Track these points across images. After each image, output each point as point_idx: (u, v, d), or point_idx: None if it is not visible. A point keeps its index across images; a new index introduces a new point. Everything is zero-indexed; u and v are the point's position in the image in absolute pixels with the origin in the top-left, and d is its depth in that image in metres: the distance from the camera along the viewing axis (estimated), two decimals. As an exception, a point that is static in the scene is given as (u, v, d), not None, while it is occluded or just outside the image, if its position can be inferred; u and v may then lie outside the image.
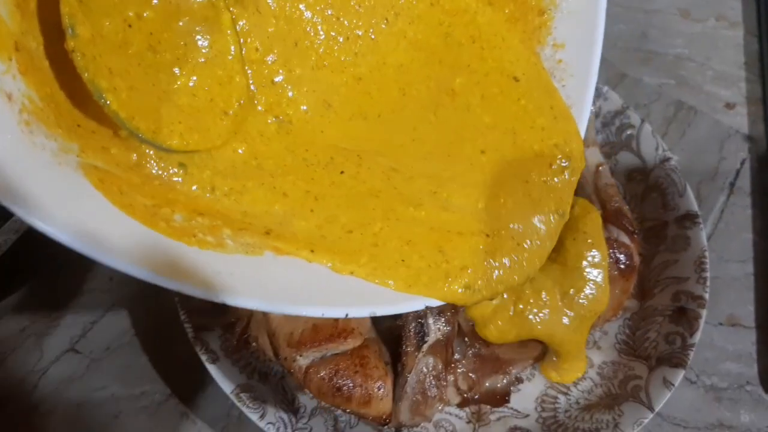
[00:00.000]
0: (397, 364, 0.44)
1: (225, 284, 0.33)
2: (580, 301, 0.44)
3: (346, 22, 0.42)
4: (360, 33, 0.42)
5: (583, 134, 0.44)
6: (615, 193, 0.51)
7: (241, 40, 0.38)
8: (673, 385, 0.46)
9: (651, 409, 0.46)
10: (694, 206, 0.53)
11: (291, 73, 0.40)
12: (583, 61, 0.45)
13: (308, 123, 0.41)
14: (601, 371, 0.50)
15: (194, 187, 0.36)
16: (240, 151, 0.38)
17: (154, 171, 0.35)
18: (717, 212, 0.59)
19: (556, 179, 0.43)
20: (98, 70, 0.32)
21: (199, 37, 0.36)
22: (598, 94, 0.60)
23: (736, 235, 0.58)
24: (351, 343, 0.41)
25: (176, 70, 0.35)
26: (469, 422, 0.48)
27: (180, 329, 0.48)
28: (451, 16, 0.44)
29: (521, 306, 0.44)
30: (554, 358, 0.48)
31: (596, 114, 0.56)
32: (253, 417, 0.45)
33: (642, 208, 0.56)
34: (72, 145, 0.33)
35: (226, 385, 0.46)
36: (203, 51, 0.36)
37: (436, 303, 0.38)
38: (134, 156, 0.35)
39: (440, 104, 0.44)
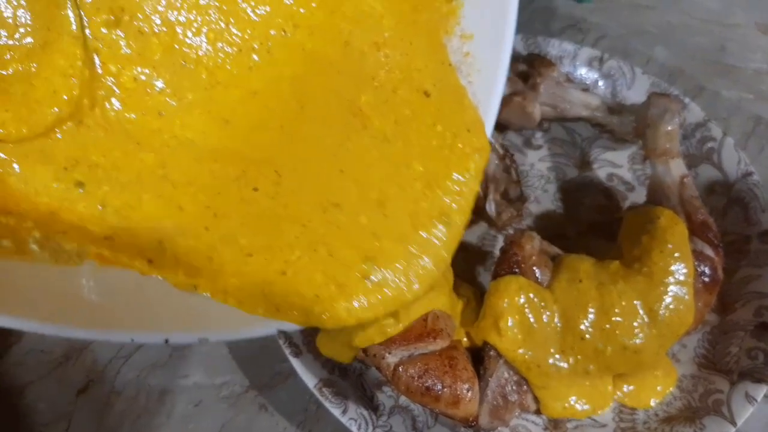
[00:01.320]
0: (479, 368, 0.45)
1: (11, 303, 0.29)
2: (666, 319, 0.44)
3: (238, 35, 0.38)
4: (256, 46, 0.39)
5: (489, 133, 0.41)
6: (700, 205, 0.51)
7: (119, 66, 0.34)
8: (756, 400, 0.46)
9: (734, 423, 0.45)
10: (777, 221, 0.53)
11: (182, 100, 0.37)
12: (492, 54, 0.41)
13: (209, 137, 0.37)
14: (681, 384, 0.49)
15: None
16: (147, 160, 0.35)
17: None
18: (796, 228, 0.58)
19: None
20: None
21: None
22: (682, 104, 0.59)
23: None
24: (440, 344, 0.42)
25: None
26: (546, 429, 0.48)
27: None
28: (353, 23, 0.41)
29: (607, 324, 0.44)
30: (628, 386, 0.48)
31: (681, 124, 0.56)
32: (336, 412, 0.45)
33: (724, 222, 0.55)
34: None
35: (309, 379, 0.46)
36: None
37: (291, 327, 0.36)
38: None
39: (352, 130, 0.39)
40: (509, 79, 0.56)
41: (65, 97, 0.33)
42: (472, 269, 0.54)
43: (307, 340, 0.48)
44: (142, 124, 0.36)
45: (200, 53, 0.37)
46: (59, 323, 0.31)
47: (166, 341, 0.32)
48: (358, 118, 0.39)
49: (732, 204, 0.56)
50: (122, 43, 0.35)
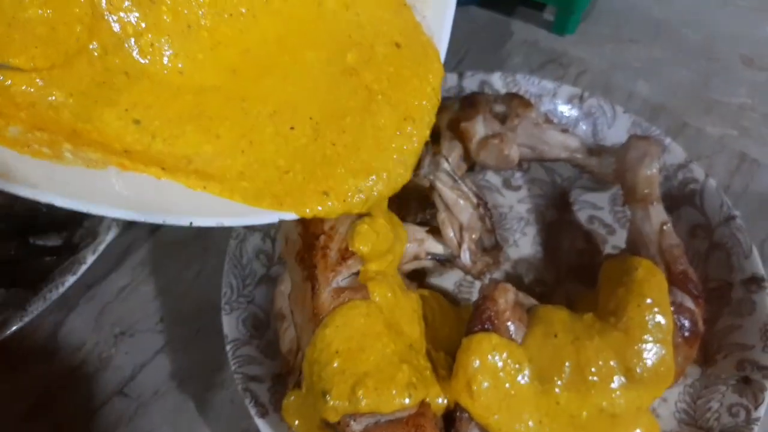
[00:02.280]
0: (450, 430, 0.43)
1: (52, 186, 0.33)
2: (645, 378, 0.42)
3: (231, 2, 0.42)
4: (244, 11, 0.43)
5: (443, 60, 0.44)
6: (681, 255, 0.49)
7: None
8: (738, 461, 0.45)
9: (715, 485, 0.44)
10: (761, 269, 0.51)
11: (195, 60, 0.42)
12: None
13: (227, 84, 0.42)
14: (661, 441, 0.48)
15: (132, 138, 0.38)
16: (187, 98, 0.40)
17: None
18: (782, 272, 0.57)
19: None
20: None
21: None
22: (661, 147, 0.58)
23: (804, 298, 0.56)
24: (407, 410, 0.40)
25: None
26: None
27: (230, 375, 0.47)
28: None
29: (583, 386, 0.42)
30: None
31: (660, 169, 0.54)
32: (302, 474, 0.44)
33: (706, 267, 0.54)
34: None
35: (275, 440, 0.45)
36: None
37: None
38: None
39: (352, 90, 0.43)
40: (486, 121, 0.55)
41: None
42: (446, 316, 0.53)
43: (274, 399, 0.46)
44: (170, 78, 0.41)
45: (201, 20, 0.42)
46: (101, 204, 0.35)
47: (191, 223, 0.38)
48: (355, 77, 0.43)
49: (714, 249, 0.54)
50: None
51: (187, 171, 0.39)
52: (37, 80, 0.36)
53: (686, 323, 0.46)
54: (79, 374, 0.53)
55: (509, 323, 0.45)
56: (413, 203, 0.51)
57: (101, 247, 0.49)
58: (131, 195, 0.37)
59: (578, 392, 0.43)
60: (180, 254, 0.58)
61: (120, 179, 0.36)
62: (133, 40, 0.40)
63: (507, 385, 0.43)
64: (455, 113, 0.56)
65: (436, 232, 0.50)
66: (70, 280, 0.48)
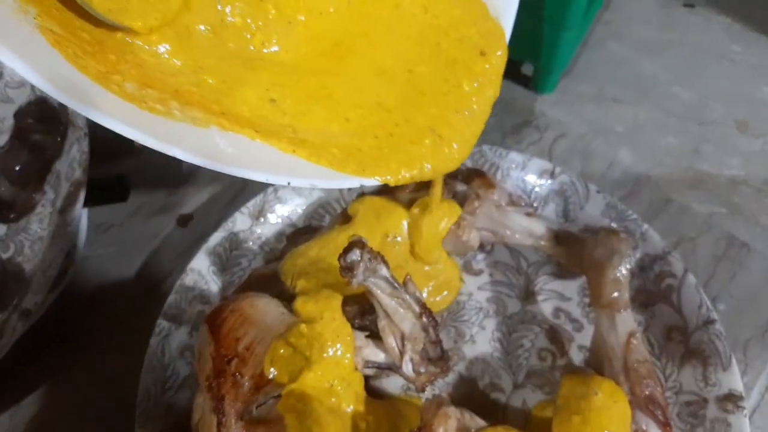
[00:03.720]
0: None
1: (173, 140, 0.35)
2: None
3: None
4: (331, 10, 0.45)
5: (507, 39, 0.46)
6: (648, 374, 0.44)
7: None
8: None
9: None
10: (739, 385, 0.46)
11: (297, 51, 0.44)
12: None
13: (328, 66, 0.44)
14: None
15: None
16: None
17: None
18: (765, 378, 0.52)
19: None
20: None
21: None
22: (636, 233, 0.53)
23: (788, 411, 0.51)
24: None
25: None
26: None
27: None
28: None
29: None
30: None
31: (631, 271, 0.49)
32: None
33: (679, 377, 0.49)
34: (30, 8, 0.34)
35: None
36: None
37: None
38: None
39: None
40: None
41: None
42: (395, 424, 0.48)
43: None
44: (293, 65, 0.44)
45: (299, 15, 0.44)
46: (212, 160, 0.36)
47: (289, 183, 0.39)
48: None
49: (690, 356, 0.49)
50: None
51: (279, 135, 0.40)
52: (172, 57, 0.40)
53: (650, 455, 0.41)
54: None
55: (451, 455, 0.41)
56: (353, 306, 0.46)
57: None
58: (234, 152, 0.38)
59: None
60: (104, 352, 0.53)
61: (222, 138, 0.38)
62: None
63: None
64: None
65: (377, 337, 0.45)
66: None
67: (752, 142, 0.64)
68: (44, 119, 0.55)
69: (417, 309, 0.43)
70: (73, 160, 0.52)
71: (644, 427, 0.42)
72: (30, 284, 0.49)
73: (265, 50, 0.43)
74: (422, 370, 0.45)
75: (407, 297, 0.43)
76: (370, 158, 0.42)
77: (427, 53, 0.46)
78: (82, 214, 0.50)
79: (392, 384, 0.50)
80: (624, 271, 0.47)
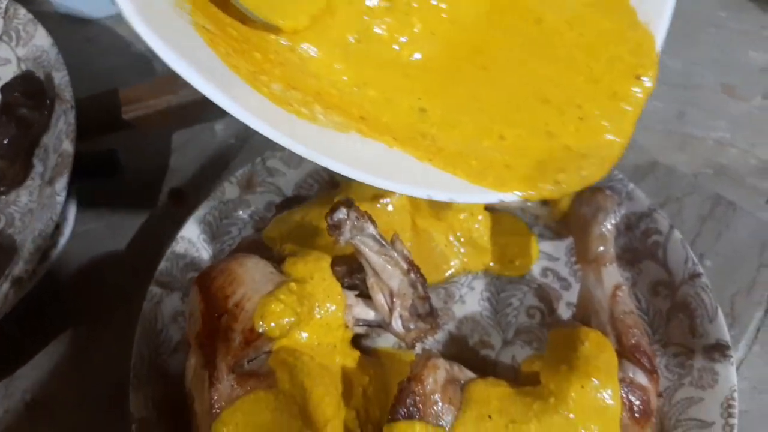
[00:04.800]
0: None
1: (321, 148, 0.35)
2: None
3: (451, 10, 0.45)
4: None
5: (659, 49, 0.45)
6: (634, 324, 0.45)
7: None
8: None
9: None
10: (726, 335, 0.47)
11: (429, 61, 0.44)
12: None
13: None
14: None
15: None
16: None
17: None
18: (752, 332, 0.52)
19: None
20: None
21: None
22: (622, 192, 0.53)
23: (774, 361, 0.51)
24: None
25: None
26: None
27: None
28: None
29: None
30: None
31: (617, 226, 0.50)
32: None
33: (667, 330, 0.50)
34: (185, 4, 0.35)
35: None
36: None
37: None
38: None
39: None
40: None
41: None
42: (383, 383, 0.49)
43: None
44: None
45: (436, 29, 0.44)
46: (359, 170, 0.36)
47: (429, 196, 0.38)
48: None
49: (677, 309, 0.50)
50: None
51: (417, 143, 0.40)
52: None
53: (637, 402, 0.42)
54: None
55: (438, 406, 0.41)
56: (342, 266, 0.46)
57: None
58: (374, 160, 0.38)
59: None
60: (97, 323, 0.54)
61: (362, 144, 0.38)
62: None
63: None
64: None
65: (366, 295, 0.46)
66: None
67: (739, 104, 0.65)
68: (31, 93, 0.55)
69: (404, 266, 0.44)
70: (60, 132, 0.53)
71: (631, 375, 0.43)
72: (20, 253, 0.49)
73: (410, 58, 0.43)
74: (411, 326, 0.45)
75: (395, 254, 0.44)
76: (516, 175, 0.41)
77: (581, 81, 0.44)
78: (70, 187, 0.50)
79: (383, 343, 0.51)
80: (609, 226, 0.48)
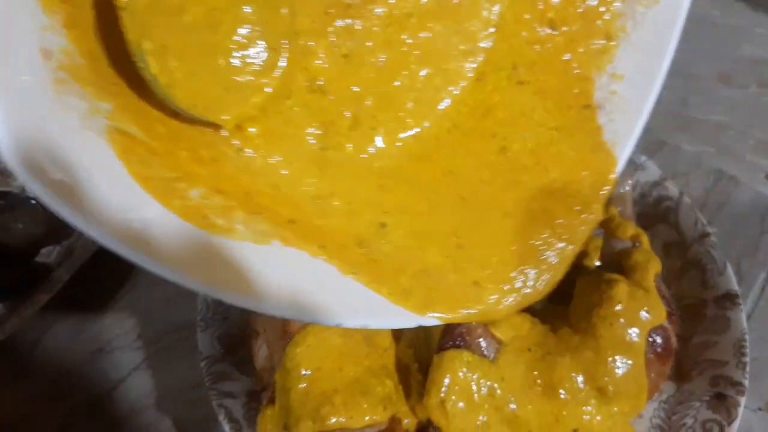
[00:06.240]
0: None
1: (227, 281, 0.32)
2: (617, 396, 0.42)
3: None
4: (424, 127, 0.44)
5: (618, 173, 0.43)
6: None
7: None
8: (711, 476, 0.45)
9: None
10: (735, 286, 0.52)
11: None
12: (639, 99, 0.44)
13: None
14: (637, 458, 0.48)
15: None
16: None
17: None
18: (758, 290, 0.57)
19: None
20: (145, 31, 0.32)
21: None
22: (636, 164, 0.58)
23: (778, 314, 0.56)
24: (376, 426, 0.40)
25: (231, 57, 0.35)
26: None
27: (205, 393, 0.47)
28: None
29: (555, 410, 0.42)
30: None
31: (633, 186, 0.55)
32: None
33: (680, 284, 0.54)
34: (103, 105, 0.32)
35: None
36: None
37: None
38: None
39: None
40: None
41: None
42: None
43: (248, 415, 0.46)
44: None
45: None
46: (269, 304, 0.34)
47: (339, 324, 0.35)
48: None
49: (688, 266, 0.55)
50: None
51: (348, 254, 0.37)
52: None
53: (658, 339, 0.46)
54: (55, 391, 0.53)
55: (481, 340, 0.46)
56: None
57: (77, 265, 0.49)
58: (287, 284, 0.35)
59: (551, 414, 0.43)
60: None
61: (279, 257, 0.35)
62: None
63: (480, 405, 0.43)
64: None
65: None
66: (46, 298, 0.48)
67: (735, 92, 0.71)
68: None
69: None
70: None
71: (652, 314, 0.47)
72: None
73: (363, 155, 0.42)
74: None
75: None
76: (441, 295, 0.39)
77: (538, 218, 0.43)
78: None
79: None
80: (628, 188, 0.53)
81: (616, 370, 0.43)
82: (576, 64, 0.44)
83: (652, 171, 0.58)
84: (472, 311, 0.40)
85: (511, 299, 0.41)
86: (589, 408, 0.43)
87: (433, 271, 0.39)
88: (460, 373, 0.43)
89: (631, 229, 0.50)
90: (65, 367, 0.54)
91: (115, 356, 0.54)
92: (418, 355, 0.47)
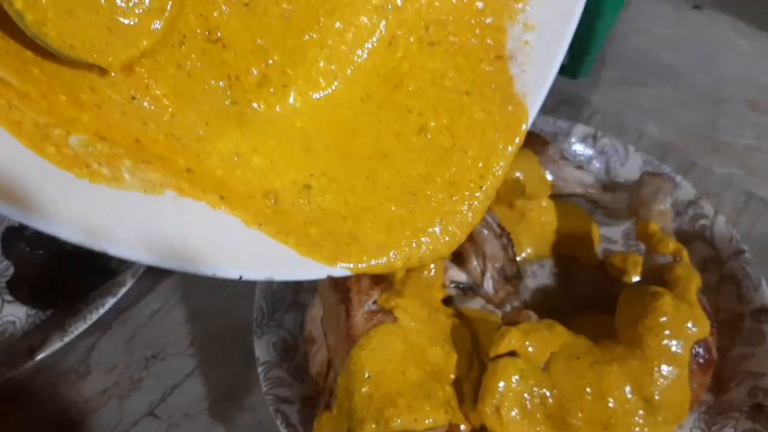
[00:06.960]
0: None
1: (111, 230, 0.31)
2: (662, 406, 0.44)
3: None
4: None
5: (529, 124, 0.44)
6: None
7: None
8: (752, 485, 0.46)
9: (730, 508, 0.45)
10: (770, 301, 0.54)
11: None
12: (550, 49, 0.44)
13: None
14: (678, 468, 0.49)
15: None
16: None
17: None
18: (790, 306, 0.59)
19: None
20: None
21: None
22: (674, 183, 0.61)
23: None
24: (439, 429, 0.42)
25: None
26: None
27: (259, 398, 0.49)
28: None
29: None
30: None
31: (672, 204, 0.57)
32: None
33: (717, 299, 0.56)
34: None
35: (306, 462, 0.46)
36: None
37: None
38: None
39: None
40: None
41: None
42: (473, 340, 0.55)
43: (303, 420, 0.48)
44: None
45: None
46: (153, 257, 0.33)
47: (241, 277, 0.35)
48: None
49: (725, 281, 0.56)
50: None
51: (250, 204, 0.37)
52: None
53: (700, 351, 0.48)
54: (110, 396, 0.54)
55: (532, 348, 0.47)
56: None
57: (140, 271, 0.51)
58: (182, 234, 0.34)
59: (600, 422, 0.45)
60: (211, 280, 0.59)
61: (175, 208, 0.34)
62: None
63: (532, 413, 0.44)
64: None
65: (457, 260, 0.52)
66: (110, 302, 0.50)
67: (762, 117, 0.73)
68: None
69: (497, 230, 0.51)
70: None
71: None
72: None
73: (280, 112, 0.41)
74: (500, 288, 0.52)
75: (489, 219, 0.51)
76: (358, 248, 0.40)
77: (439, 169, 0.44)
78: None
79: (473, 304, 0.56)
80: (668, 204, 0.55)
81: (662, 380, 0.45)
82: (489, 13, 0.44)
83: (687, 190, 0.60)
84: (381, 261, 0.41)
85: (423, 248, 0.43)
86: (636, 418, 0.45)
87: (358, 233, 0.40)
88: (514, 380, 0.45)
89: (671, 244, 0.52)
90: (119, 372, 0.55)
91: (169, 362, 0.56)
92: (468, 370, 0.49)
